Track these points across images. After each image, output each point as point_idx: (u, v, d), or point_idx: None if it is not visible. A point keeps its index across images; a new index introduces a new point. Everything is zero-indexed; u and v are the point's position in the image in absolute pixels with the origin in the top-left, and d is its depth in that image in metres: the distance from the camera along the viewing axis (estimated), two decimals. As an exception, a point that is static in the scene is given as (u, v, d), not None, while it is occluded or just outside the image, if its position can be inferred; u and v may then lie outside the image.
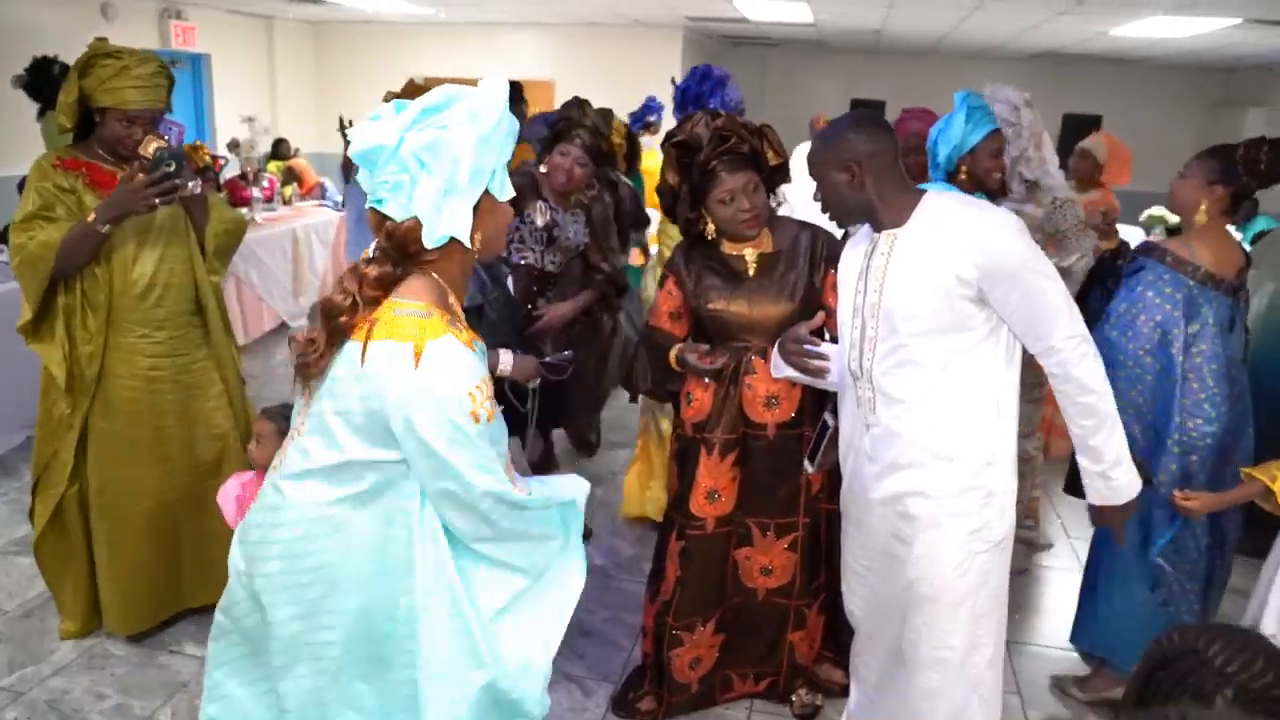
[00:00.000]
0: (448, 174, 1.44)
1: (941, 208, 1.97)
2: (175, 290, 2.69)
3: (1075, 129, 11.86)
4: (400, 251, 1.50)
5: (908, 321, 1.94)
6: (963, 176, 2.96)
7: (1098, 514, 2.10)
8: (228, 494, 2.27)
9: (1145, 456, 2.53)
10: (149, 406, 2.69)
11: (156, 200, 2.48)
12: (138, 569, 2.79)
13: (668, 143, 2.44)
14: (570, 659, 2.88)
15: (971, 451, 1.96)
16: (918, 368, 1.96)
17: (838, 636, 2.65)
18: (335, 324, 1.49)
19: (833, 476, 2.40)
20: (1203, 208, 2.50)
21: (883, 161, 1.97)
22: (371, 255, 1.53)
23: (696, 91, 3.78)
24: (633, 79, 9.10)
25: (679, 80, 4.01)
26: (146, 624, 2.87)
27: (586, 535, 3.46)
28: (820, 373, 2.20)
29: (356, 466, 1.51)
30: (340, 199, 7.54)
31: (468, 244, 1.49)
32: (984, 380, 1.96)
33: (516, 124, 1.53)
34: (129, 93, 2.49)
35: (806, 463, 2.35)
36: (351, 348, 1.48)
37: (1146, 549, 2.63)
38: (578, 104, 3.28)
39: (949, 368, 1.95)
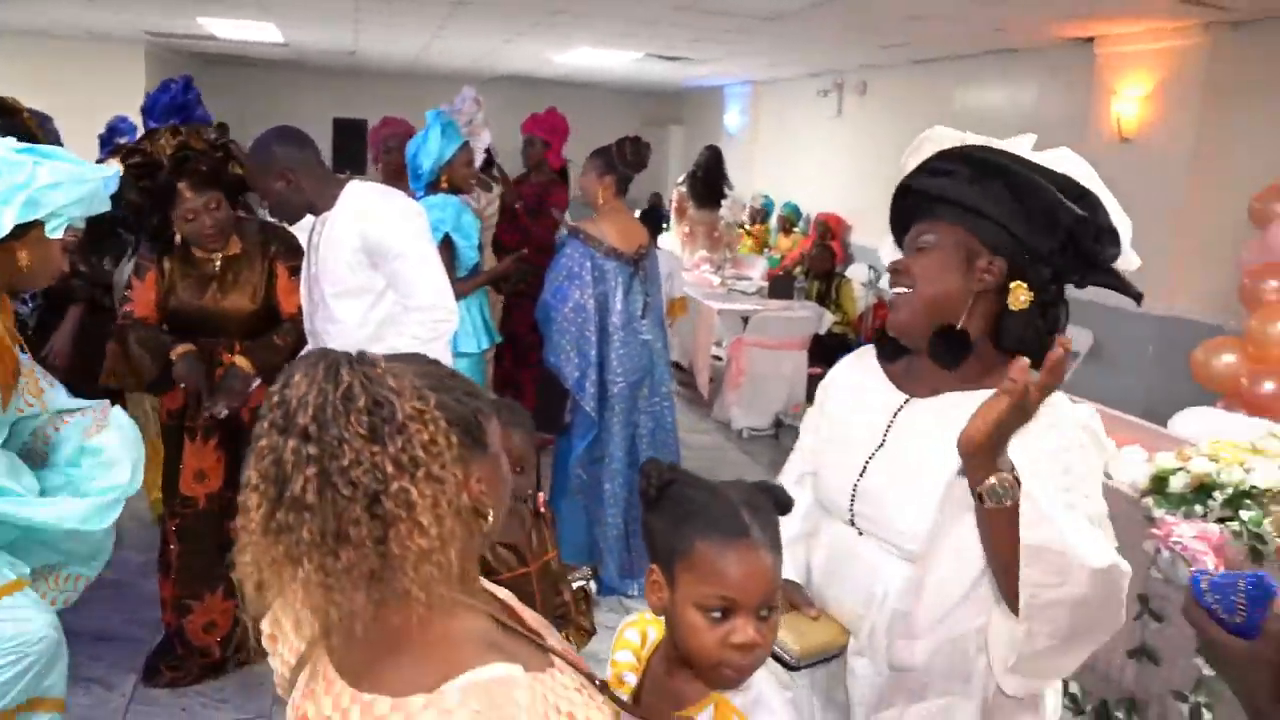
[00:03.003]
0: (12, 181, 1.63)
1: (356, 194, 2.36)
2: None
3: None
4: None
5: (327, 285, 2.37)
6: (444, 186, 3.56)
7: None
8: None
9: (575, 391, 3.34)
10: None
11: None
12: None
13: (127, 159, 2.50)
14: (88, 664, 2.91)
15: None
16: (339, 325, 2.37)
17: None
18: None
19: None
20: (599, 193, 3.44)
21: (310, 163, 2.35)
22: None
23: (182, 101, 3.64)
24: (91, 97, 8.48)
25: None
26: None
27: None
28: None
29: None
30: None
31: None
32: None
33: (93, 208, 1.76)
34: None
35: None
36: None
37: (568, 461, 3.47)
38: None
39: (364, 325, 2.34)
